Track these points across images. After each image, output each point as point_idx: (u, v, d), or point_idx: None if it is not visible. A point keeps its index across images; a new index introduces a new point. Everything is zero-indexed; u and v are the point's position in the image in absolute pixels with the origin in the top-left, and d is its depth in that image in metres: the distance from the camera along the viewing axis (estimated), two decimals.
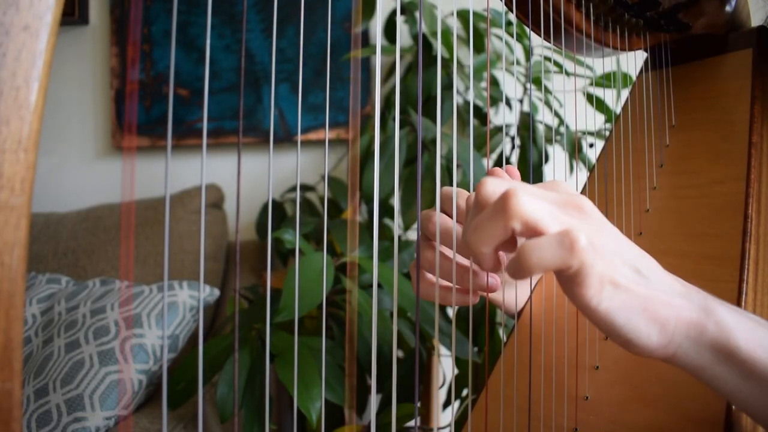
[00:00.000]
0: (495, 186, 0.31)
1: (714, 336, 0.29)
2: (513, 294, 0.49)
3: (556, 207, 0.30)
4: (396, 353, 0.33)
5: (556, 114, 1.21)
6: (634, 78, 0.67)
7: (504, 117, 1.31)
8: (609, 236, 0.30)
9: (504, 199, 0.28)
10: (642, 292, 0.29)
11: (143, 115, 1.58)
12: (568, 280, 0.29)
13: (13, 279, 0.22)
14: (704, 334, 0.30)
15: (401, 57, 1.36)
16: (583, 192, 0.59)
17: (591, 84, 1.19)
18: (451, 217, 0.40)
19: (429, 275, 0.42)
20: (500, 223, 0.29)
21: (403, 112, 1.19)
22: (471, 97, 1.09)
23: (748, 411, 0.32)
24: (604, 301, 0.28)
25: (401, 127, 1.11)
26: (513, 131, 1.23)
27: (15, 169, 0.22)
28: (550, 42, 0.54)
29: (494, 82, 1.33)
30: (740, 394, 0.31)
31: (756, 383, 0.30)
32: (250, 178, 1.56)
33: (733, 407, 0.37)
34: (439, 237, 0.39)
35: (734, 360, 0.30)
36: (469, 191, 0.41)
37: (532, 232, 0.29)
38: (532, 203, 0.28)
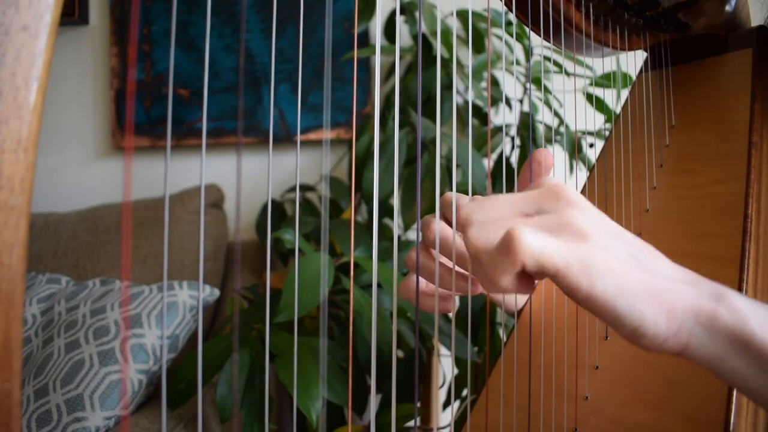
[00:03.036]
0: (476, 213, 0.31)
1: (727, 322, 0.27)
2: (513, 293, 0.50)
3: (556, 231, 0.29)
4: (396, 353, 0.33)
5: (556, 114, 1.21)
6: (634, 78, 0.67)
7: (504, 117, 1.31)
8: (603, 227, 0.29)
9: (507, 241, 0.27)
10: (641, 277, 0.27)
11: (143, 115, 1.58)
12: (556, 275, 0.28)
13: (12, 279, 0.22)
14: (716, 320, 0.27)
15: (401, 57, 1.36)
16: (582, 192, 0.59)
17: (591, 84, 1.19)
18: (450, 223, 0.40)
19: (424, 286, 0.43)
20: (509, 267, 0.28)
21: (402, 112, 1.19)
22: (471, 97, 1.09)
23: None
24: (597, 285, 0.27)
25: (401, 127, 1.11)
26: (513, 131, 1.23)
27: (14, 169, 0.22)
28: (549, 42, 0.54)
29: (494, 82, 1.33)
30: (761, 389, 0.28)
31: None
32: (250, 178, 1.56)
33: (733, 407, 0.37)
34: (438, 246, 0.40)
35: (751, 350, 0.27)
36: (468, 193, 0.41)
37: (542, 268, 0.28)
38: (534, 243, 0.27)
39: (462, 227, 0.30)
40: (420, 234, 0.40)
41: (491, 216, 0.30)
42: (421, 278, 0.42)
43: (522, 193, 0.30)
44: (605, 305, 0.27)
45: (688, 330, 0.27)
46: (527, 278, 0.29)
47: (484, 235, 0.29)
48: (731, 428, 0.36)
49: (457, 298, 0.44)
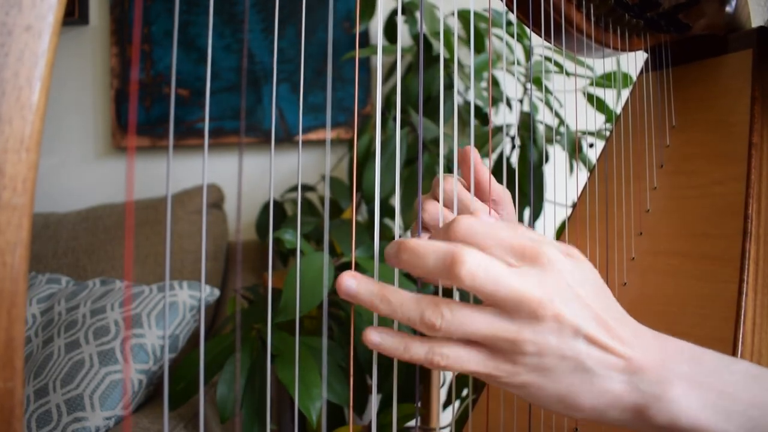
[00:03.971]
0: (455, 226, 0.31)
1: (661, 423, 0.29)
2: None
3: (510, 257, 0.29)
4: None
5: (556, 114, 1.21)
6: (634, 78, 0.67)
7: (504, 117, 1.31)
8: (567, 294, 0.29)
9: (451, 262, 0.28)
10: (562, 385, 0.29)
11: (143, 115, 1.58)
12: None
13: (15, 278, 0.22)
14: (651, 420, 0.29)
15: (401, 57, 1.36)
16: (583, 193, 0.59)
17: (591, 84, 1.19)
18: (450, 206, 0.40)
19: None
20: (443, 279, 0.29)
21: (403, 112, 1.19)
22: (471, 97, 1.09)
23: None
24: (518, 391, 0.30)
25: (401, 127, 1.11)
26: (513, 131, 1.23)
27: (17, 168, 0.22)
28: (550, 42, 0.54)
29: (494, 82, 1.33)
30: None
31: None
32: (250, 178, 1.56)
33: None
34: (422, 225, 0.40)
35: None
36: (468, 190, 0.41)
37: (479, 294, 0.29)
38: (478, 271, 0.28)
39: (456, 245, 0.29)
40: (421, 229, 0.40)
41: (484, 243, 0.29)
42: None
43: (514, 233, 0.30)
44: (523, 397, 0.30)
45: (626, 420, 0.30)
46: None
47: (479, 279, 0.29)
48: None
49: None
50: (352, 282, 0.30)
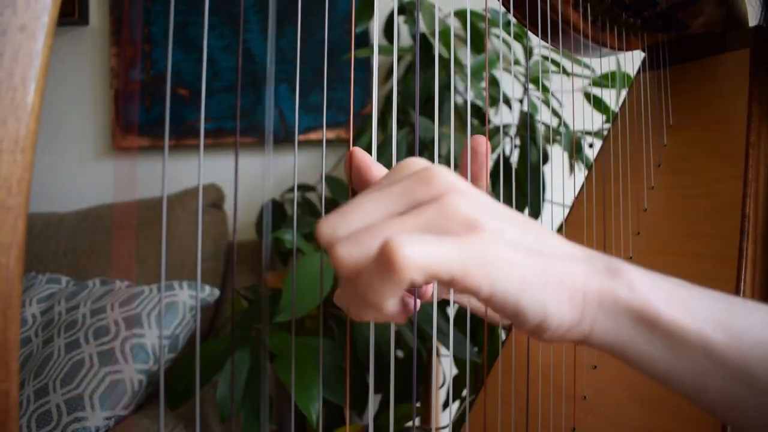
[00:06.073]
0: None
1: (629, 301, 0.25)
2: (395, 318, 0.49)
3: (441, 226, 0.24)
4: (395, 353, 0.34)
5: (556, 114, 1.21)
6: (633, 78, 0.67)
7: (503, 117, 1.31)
8: (489, 210, 0.24)
9: (386, 256, 0.22)
10: (538, 263, 0.24)
11: (143, 115, 1.58)
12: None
13: (10, 279, 0.22)
14: (618, 300, 0.25)
15: (401, 57, 1.36)
16: (580, 192, 0.59)
17: (590, 84, 1.19)
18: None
19: None
20: (394, 287, 0.22)
21: (403, 112, 1.19)
22: (470, 97, 1.10)
23: (688, 394, 0.27)
24: (499, 282, 0.23)
25: (401, 127, 1.11)
26: (512, 131, 1.23)
27: (12, 169, 0.22)
28: (547, 42, 0.54)
29: (494, 82, 1.33)
30: (676, 373, 0.26)
31: (686, 356, 0.25)
32: (250, 178, 1.56)
33: None
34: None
35: (659, 329, 0.25)
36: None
37: (435, 278, 0.23)
38: (420, 252, 0.22)
39: (327, 249, 0.24)
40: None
41: (360, 225, 0.24)
42: None
43: (388, 186, 0.25)
44: (508, 301, 0.24)
45: (592, 316, 0.25)
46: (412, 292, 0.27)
47: (356, 249, 0.23)
48: (728, 427, 0.37)
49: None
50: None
